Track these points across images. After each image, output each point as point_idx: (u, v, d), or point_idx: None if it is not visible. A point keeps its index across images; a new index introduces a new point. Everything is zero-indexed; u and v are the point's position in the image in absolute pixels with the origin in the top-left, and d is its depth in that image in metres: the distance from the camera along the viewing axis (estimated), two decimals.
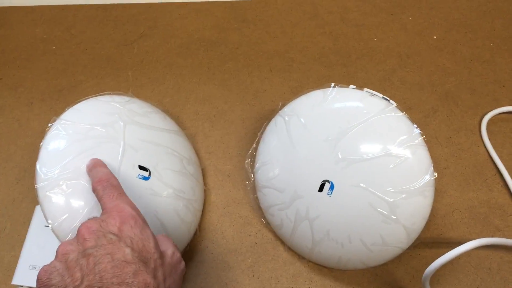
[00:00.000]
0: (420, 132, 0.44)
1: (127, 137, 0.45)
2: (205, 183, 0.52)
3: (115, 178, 0.39)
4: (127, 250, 0.32)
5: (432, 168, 0.44)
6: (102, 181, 0.38)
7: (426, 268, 0.41)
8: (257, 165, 0.49)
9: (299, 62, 0.59)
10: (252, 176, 0.50)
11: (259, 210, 0.50)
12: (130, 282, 0.31)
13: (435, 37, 0.60)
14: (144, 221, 0.35)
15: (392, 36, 0.61)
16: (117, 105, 0.47)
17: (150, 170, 0.45)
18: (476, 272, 0.48)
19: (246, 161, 0.51)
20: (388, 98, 0.46)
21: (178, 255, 0.37)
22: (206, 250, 0.51)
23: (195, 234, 0.50)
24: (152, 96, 0.57)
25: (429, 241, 0.49)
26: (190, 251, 0.50)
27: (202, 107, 0.57)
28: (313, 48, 0.60)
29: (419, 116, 0.56)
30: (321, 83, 0.58)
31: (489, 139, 0.53)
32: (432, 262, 0.41)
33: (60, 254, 0.33)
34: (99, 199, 0.37)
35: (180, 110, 0.57)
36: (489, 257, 0.48)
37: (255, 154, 0.50)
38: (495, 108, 0.55)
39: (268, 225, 0.50)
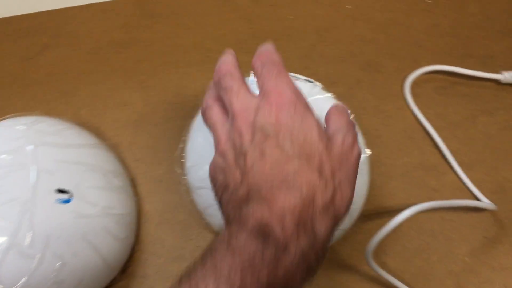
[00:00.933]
0: (349, 112, 0.43)
1: (39, 161, 0.41)
2: (136, 193, 0.50)
3: (277, 54, 0.33)
4: (286, 145, 0.28)
5: (365, 145, 0.43)
6: (262, 55, 0.33)
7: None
8: (187, 166, 0.47)
9: (217, 51, 0.56)
10: (185, 177, 0.48)
11: (197, 212, 0.48)
12: (292, 183, 0.27)
13: (348, 6, 0.59)
14: (306, 106, 0.30)
15: (306, 11, 0.59)
16: (22, 128, 0.43)
17: (71, 191, 0.42)
18: (419, 236, 0.48)
19: (176, 163, 0.49)
20: (312, 80, 0.45)
21: (349, 140, 0.31)
22: (147, 263, 0.48)
23: (133, 249, 0.48)
24: (66, 110, 0.54)
25: (370, 213, 0.49)
26: (131, 267, 0.47)
27: (122, 113, 0.54)
28: (229, 35, 0.58)
29: (344, 89, 0.55)
30: (244, 71, 0.56)
31: (414, 101, 0.54)
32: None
33: (219, 150, 0.31)
34: (257, 77, 0.32)
35: (99, 120, 0.54)
36: (430, 219, 0.49)
37: (183, 154, 0.48)
38: (415, 69, 0.55)
39: (208, 226, 0.48)
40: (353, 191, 0.30)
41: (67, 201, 0.42)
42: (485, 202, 0.48)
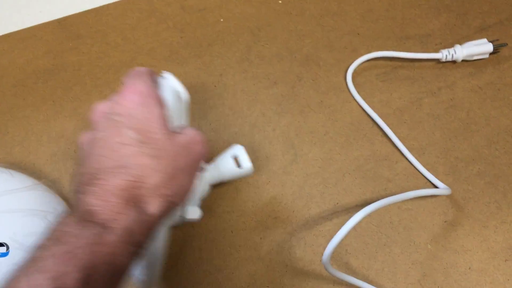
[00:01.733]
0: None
1: None
2: None
3: (144, 68, 0.36)
4: (129, 132, 0.31)
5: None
6: (131, 70, 0.36)
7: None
8: None
9: (150, 66, 0.55)
10: None
11: None
12: (125, 166, 0.30)
13: (280, 1, 0.57)
14: (157, 99, 0.33)
15: (238, 12, 0.57)
16: None
17: (7, 243, 0.40)
18: (379, 230, 0.47)
19: None
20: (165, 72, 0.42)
21: (198, 138, 0.34)
22: None
23: None
24: None
25: (328, 213, 0.48)
26: None
27: (59, 146, 0.51)
28: (160, 47, 0.56)
29: (286, 88, 0.53)
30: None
31: (358, 92, 0.52)
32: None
33: (80, 143, 0.34)
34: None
35: (34, 157, 0.51)
36: (388, 211, 0.48)
37: None
38: (355, 59, 0.53)
39: None
40: (190, 182, 0.34)
41: (4, 254, 0.39)
42: (439, 188, 0.48)
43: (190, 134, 0.34)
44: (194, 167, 0.34)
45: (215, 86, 0.54)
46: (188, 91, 0.43)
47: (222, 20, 0.57)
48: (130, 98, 0.33)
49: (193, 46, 0.56)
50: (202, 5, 0.57)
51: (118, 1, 0.58)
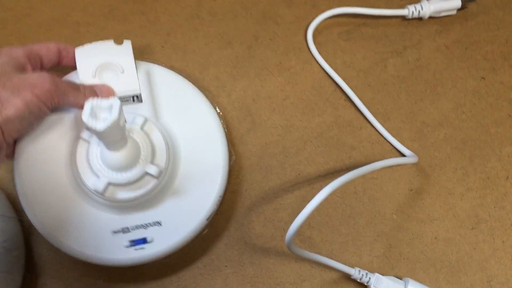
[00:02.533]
0: None
1: None
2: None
3: None
4: None
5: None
6: None
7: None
8: None
9: (87, 23, 0.48)
10: None
11: None
12: None
13: None
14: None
15: None
16: None
17: None
18: (343, 201, 0.45)
19: None
20: None
21: (38, 77, 0.34)
22: None
23: (24, 278, 0.41)
24: None
25: (289, 185, 0.45)
26: None
27: None
28: (99, 1, 0.49)
29: (242, 49, 0.48)
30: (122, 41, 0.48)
31: (319, 52, 0.48)
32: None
33: None
34: None
35: None
36: (352, 181, 0.45)
37: None
38: (316, 16, 0.49)
39: None
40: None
41: None
42: (407, 156, 0.45)
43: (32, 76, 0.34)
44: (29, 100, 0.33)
45: (162, 46, 0.48)
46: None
47: None
48: None
49: (136, 1, 0.49)
50: None
51: None
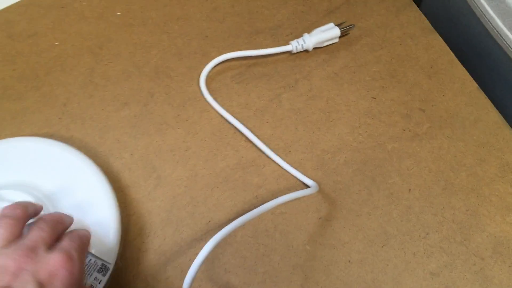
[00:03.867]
0: None
1: None
2: None
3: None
4: None
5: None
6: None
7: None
8: None
9: None
10: None
11: None
12: None
13: (118, 13, 0.53)
14: None
15: (73, 32, 0.52)
16: None
17: None
18: (256, 241, 0.46)
19: None
20: None
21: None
22: None
23: None
24: None
25: (201, 233, 0.45)
26: None
27: None
28: None
29: (138, 107, 0.50)
30: (13, 118, 0.49)
31: (215, 98, 0.50)
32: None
33: None
34: None
35: None
36: (262, 219, 0.46)
37: None
38: (206, 63, 0.50)
39: None
40: None
41: None
42: (307, 189, 0.46)
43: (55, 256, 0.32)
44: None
45: (60, 118, 0.49)
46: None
47: (57, 43, 0.52)
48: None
49: (29, 77, 0.50)
50: (32, 30, 0.52)
51: None
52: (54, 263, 0.32)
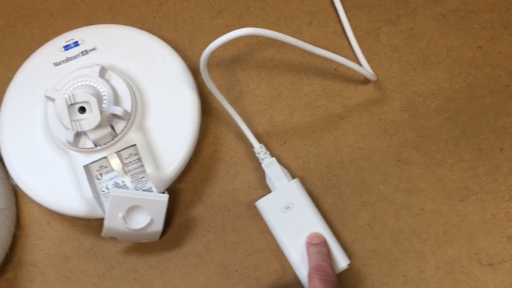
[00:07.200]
0: None
1: None
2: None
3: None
4: None
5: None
6: (320, 271, 0.37)
7: None
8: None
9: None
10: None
11: None
12: None
13: None
14: None
15: None
16: None
17: None
18: (329, 170, 0.44)
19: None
20: None
21: None
22: (35, 247, 0.43)
23: (14, 236, 0.43)
24: None
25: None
26: (16, 256, 0.42)
27: None
28: None
29: (232, 18, 0.49)
30: (113, 14, 0.49)
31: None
32: None
33: None
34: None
35: None
36: (338, 150, 0.45)
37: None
38: None
39: None
40: None
41: None
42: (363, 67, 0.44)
43: None
44: None
45: (153, 16, 0.49)
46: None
47: None
48: None
49: None
50: None
51: None
52: None
